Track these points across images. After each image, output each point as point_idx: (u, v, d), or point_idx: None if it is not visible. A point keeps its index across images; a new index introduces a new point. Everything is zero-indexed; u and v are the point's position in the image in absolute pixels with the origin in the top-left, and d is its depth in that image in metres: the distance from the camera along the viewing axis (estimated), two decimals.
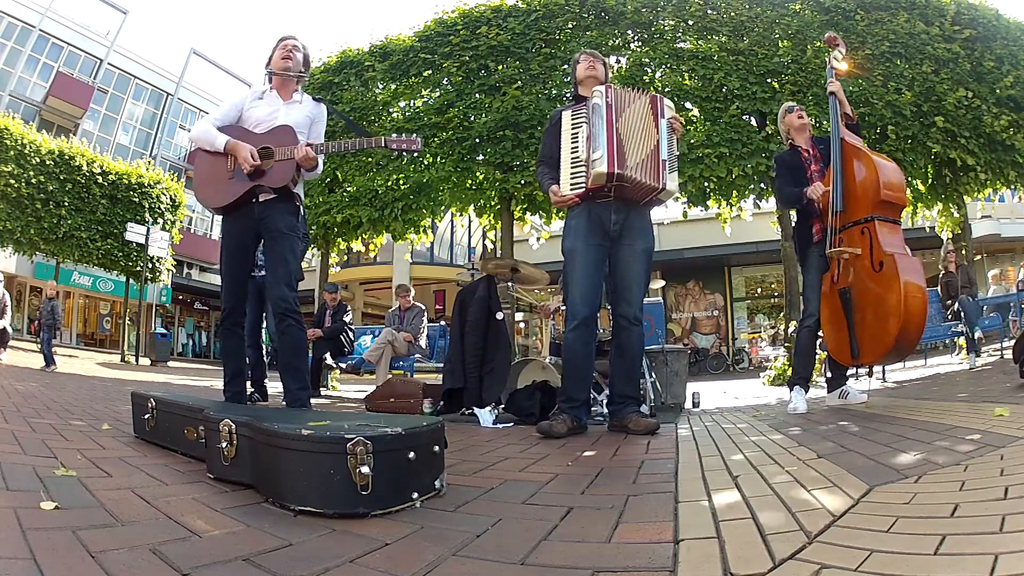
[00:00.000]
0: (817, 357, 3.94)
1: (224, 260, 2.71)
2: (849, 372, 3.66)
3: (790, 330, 6.47)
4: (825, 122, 3.52)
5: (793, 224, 3.69)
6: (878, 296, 2.93)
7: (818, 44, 6.80)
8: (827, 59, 3.44)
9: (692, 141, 6.74)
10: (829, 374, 3.60)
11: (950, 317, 6.38)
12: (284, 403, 2.68)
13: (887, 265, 2.90)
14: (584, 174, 2.61)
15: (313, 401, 3.98)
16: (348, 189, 8.01)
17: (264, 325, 4.86)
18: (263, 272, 4.39)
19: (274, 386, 4.97)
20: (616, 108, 2.59)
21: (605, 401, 3.50)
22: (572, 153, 2.68)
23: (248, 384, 3.17)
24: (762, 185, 7.03)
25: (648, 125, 2.62)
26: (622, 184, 2.57)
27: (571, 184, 2.67)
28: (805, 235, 3.42)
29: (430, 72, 7.83)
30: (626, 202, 2.68)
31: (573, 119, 2.70)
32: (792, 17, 7.10)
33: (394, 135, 2.56)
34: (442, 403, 3.70)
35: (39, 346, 12.19)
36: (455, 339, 3.71)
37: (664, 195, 2.66)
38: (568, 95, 7.14)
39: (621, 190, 2.62)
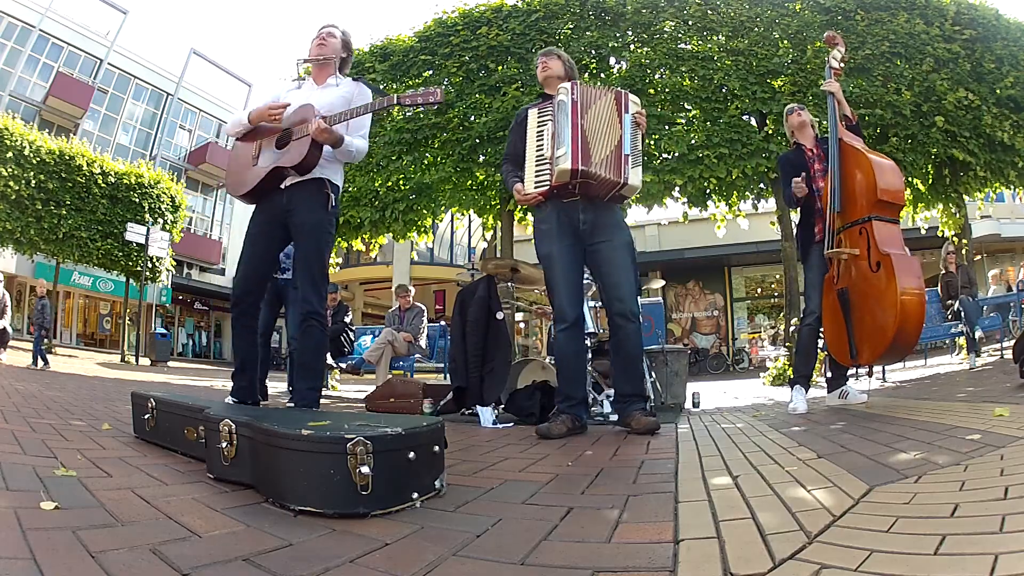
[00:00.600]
0: (818, 356, 3.93)
1: (244, 246, 2.63)
2: (849, 372, 3.66)
3: (791, 330, 6.47)
4: (826, 122, 3.52)
5: (796, 223, 3.70)
6: (875, 296, 2.93)
7: (818, 44, 6.80)
8: (826, 59, 3.45)
9: (692, 141, 6.74)
10: (829, 374, 3.60)
11: (950, 317, 6.38)
12: (290, 401, 2.65)
13: (884, 265, 2.90)
14: (549, 172, 2.59)
15: None
16: (349, 189, 8.01)
17: (278, 326, 4.82)
18: (285, 275, 4.40)
19: (274, 386, 4.99)
20: (582, 105, 2.57)
21: (605, 401, 3.51)
22: (537, 151, 2.67)
23: None
24: (762, 186, 7.03)
25: (612, 121, 2.59)
26: (587, 181, 2.55)
27: (535, 182, 2.65)
28: (808, 234, 3.44)
29: (430, 72, 7.83)
30: (592, 200, 2.66)
31: (539, 117, 2.70)
32: (792, 17, 7.10)
33: (409, 92, 2.49)
34: (449, 399, 3.71)
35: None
36: (456, 339, 3.72)
37: (627, 190, 2.62)
38: None
39: (586, 187, 2.59)
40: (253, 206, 2.68)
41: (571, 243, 2.68)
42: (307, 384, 2.58)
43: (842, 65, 3.45)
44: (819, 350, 3.69)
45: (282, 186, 2.53)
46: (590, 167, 2.51)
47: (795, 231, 3.74)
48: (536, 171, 2.66)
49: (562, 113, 2.56)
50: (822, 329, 3.36)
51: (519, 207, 7.47)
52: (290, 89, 2.71)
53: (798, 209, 3.55)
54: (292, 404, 2.73)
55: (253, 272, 2.61)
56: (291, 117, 2.51)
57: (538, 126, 2.68)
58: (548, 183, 2.60)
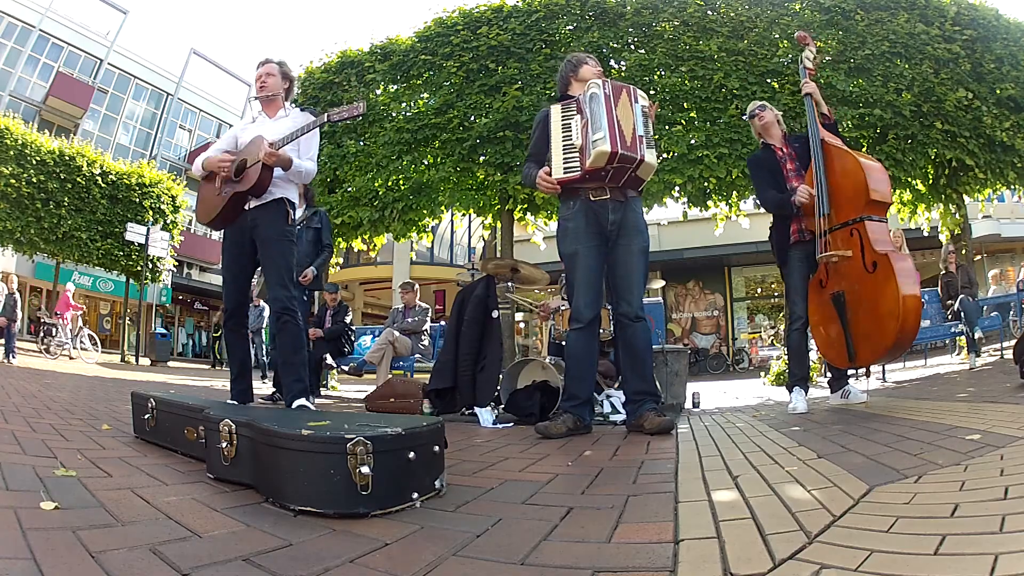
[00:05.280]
0: (815, 356, 3.91)
1: (223, 265, 2.91)
2: (850, 372, 3.65)
3: None
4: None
5: (770, 226, 3.56)
6: (874, 297, 2.92)
7: (819, 44, 6.79)
8: (799, 59, 3.44)
9: (692, 141, 6.74)
10: (830, 374, 3.60)
11: (950, 317, 6.38)
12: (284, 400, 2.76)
13: (881, 265, 2.89)
14: (578, 160, 2.64)
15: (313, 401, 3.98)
16: (348, 189, 8.01)
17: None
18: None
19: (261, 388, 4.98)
20: (613, 97, 2.65)
21: (605, 401, 3.51)
22: (565, 141, 2.70)
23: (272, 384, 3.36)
24: None
25: (628, 109, 2.68)
26: (622, 165, 2.60)
27: (564, 169, 2.69)
28: (783, 237, 3.38)
29: (431, 73, 7.83)
30: (621, 195, 2.71)
31: (563, 112, 2.75)
32: (792, 17, 7.10)
33: (336, 108, 2.72)
34: (426, 401, 3.71)
35: (39, 345, 12.23)
36: (449, 339, 3.71)
37: (644, 169, 2.65)
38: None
39: (617, 173, 2.63)
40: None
41: (597, 244, 2.71)
42: (292, 377, 2.76)
43: (816, 64, 3.43)
44: (811, 350, 3.65)
45: (246, 207, 2.79)
46: (626, 150, 2.58)
47: (769, 233, 3.56)
48: (565, 159, 2.69)
49: (596, 103, 2.63)
50: (810, 332, 3.34)
51: (519, 207, 7.46)
52: (245, 126, 2.99)
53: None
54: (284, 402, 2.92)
55: (237, 287, 2.89)
56: (245, 150, 2.79)
57: (563, 119, 2.73)
58: (578, 170, 2.64)
